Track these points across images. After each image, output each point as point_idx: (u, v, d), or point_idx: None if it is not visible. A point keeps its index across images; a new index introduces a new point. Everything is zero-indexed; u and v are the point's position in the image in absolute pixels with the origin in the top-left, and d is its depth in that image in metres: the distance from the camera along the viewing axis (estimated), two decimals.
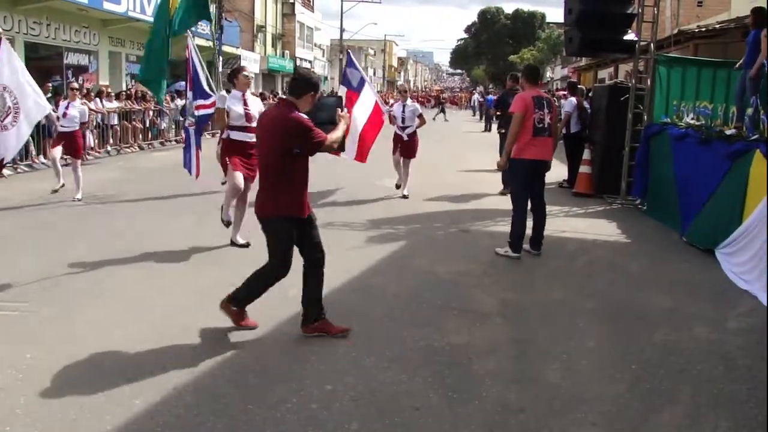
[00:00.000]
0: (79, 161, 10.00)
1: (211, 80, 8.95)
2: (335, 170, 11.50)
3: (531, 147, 6.82)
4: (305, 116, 4.45)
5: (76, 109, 10.10)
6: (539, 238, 7.13)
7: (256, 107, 7.06)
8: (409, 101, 10.92)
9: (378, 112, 10.27)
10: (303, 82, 4.56)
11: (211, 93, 9.50)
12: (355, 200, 9.93)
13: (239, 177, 6.84)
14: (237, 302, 4.64)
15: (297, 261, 5.94)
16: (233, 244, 7.10)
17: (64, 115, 9.96)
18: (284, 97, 4.65)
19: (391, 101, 12.17)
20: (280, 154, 4.41)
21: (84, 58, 21.12)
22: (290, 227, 4.52)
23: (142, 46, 24.91)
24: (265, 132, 4.53)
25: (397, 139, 10.70)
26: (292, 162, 4.44)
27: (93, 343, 4.42)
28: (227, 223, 7.02)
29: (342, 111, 4.88)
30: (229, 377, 3.97)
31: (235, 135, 7.00)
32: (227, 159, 7.07)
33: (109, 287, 5.66)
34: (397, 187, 10.72)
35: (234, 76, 7.22)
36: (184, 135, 9.76)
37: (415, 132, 10.61)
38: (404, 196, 10.41)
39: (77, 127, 10.12)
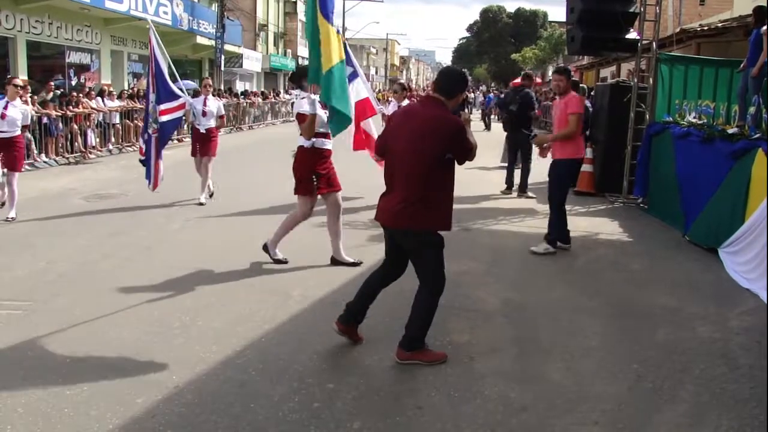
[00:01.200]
0: (17, 174, 8.58)
1: (178, 78, 8.25)
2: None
3: (581, 146, 7.28)
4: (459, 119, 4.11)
5: (18, 110, 8.53)
6: (567, 233, 7.38)
7: None
8: (406, 101, 9.79)
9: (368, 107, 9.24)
10: (457, 80, 4.16)
11: (179, 94, 8.64)
12: (357, 199, 9.89)
13: (311, 205, 6.41)
14: (416, 343, 4.23)
15: (296, 262, 5.93)
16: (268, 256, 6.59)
17: (2, 116, 8.37)
18: (433, 94, 4.16)
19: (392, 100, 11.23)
20: (435, 160, 4.02)
21: (86, 56, 21.17)
22: (442, 237, 4.22)
23: (144, 45, 25.07)
24: (409, 134, 4.04)
25: None
26: (443, 169, 4.07)
27: (95, 342, 4.42)
28: (281, 261, 6.46)
29: (464, 112, 4.63)
30: (231, 376, 3.97)
31: (320, 143, 6.29)
32: (312, 175, 6.28)
33: (110, 286, 5.66)
34: None
35: (304, 76, 6.32)
36: (143, 145, 8.77)
37: None
38: None
39: (18, 132, 8.56)
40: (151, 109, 8.33)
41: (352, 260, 6.48)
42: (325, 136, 6.28)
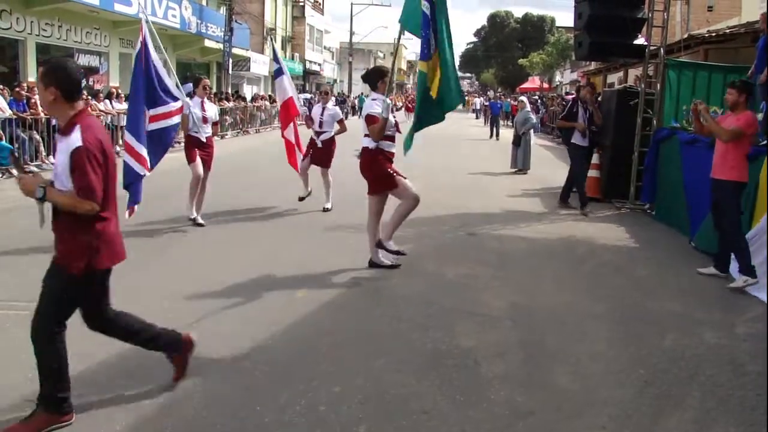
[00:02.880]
0: None
1: (175, 76, 7.18)
2: (342, 171, 11.44)
3: (746, 170, 6.35)
4: None
5: None
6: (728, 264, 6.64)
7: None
8: (330, 104, 9.82)
9: (291, 107, 9.31)
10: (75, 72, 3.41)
11: (177, 95, 7.41)
12: (363, 203, 9.86)
13: (384, 201, 6.56)
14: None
15: (300, 265, 5.95)
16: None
17: None
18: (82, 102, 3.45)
19: (317, 102, 10.65)
20: None
21: (95, 59, 21.25)
22: None
23: (155, 47, 25.04)
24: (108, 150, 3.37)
25: (310, 144, 9.56)
26: None
27: (101, 344, 4.42)
28: (395, 252, 6.52)
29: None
30: (238, 379, 3.98)
31: (386, 145, 6.28)
32: (387, 172, 6.30)
33: (116, 287, 5.65)
34: (300, 199, 9.58)
35: (380, 78, 6.34)
36: (146, 154, 7.07)
37: (332, 139, 9.55)
38: (325, 209, 9.38)
39: None
40: (141, 115, 7.24)
41: (396, 249, 6.52)
42: (391, 138, 6.33)
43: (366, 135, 6.28)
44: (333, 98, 11.16)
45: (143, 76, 7.15)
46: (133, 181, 7.16)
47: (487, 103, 37.09)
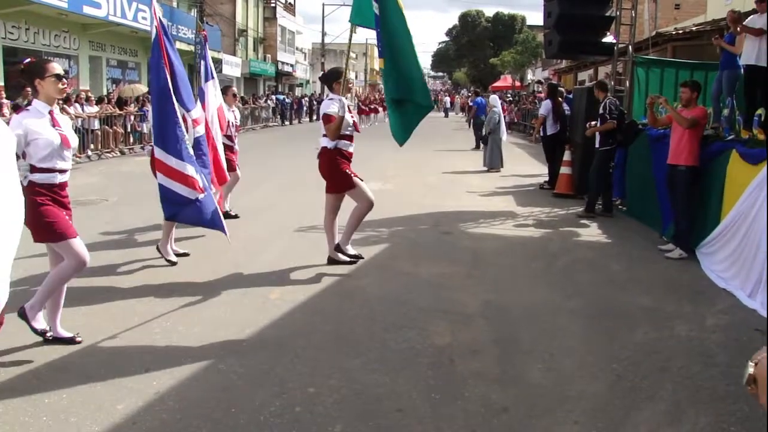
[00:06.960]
0: None
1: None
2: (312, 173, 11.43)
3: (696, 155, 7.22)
4: None
5: None
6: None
7: None
8: (234, 107, 9.34)
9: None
10: None
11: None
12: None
13: (341, 201, 6.61)
14: None
15: (273, 266, 5.90)
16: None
17: None
18: None
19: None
20: None
21: (64, 62, 20.98)
22: None
23: (123, 50, 24.91)
24: None
25: (230, 151, 8.54)
26: None
27: (74, 348, 4.39)
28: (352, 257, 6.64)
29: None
30: (213, 381, 3.96)
31: (344, 145, 6.38)
32: (345, 171, 6.38)
33: (89, 292, 5.61)
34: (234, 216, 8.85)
35: (335, 79, 6.43)
36: (197, 176, 5.90)
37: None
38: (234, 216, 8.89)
39: None
40: (176, 117, 5.93)
41: (354, 253, 6.69)
42: (349, 138, 6.43)
43: (324, 135, 6.40)
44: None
45: (168, 70, 5.94)
46: (178, 211, 5.99)
47: (471, 103, 27.73)
